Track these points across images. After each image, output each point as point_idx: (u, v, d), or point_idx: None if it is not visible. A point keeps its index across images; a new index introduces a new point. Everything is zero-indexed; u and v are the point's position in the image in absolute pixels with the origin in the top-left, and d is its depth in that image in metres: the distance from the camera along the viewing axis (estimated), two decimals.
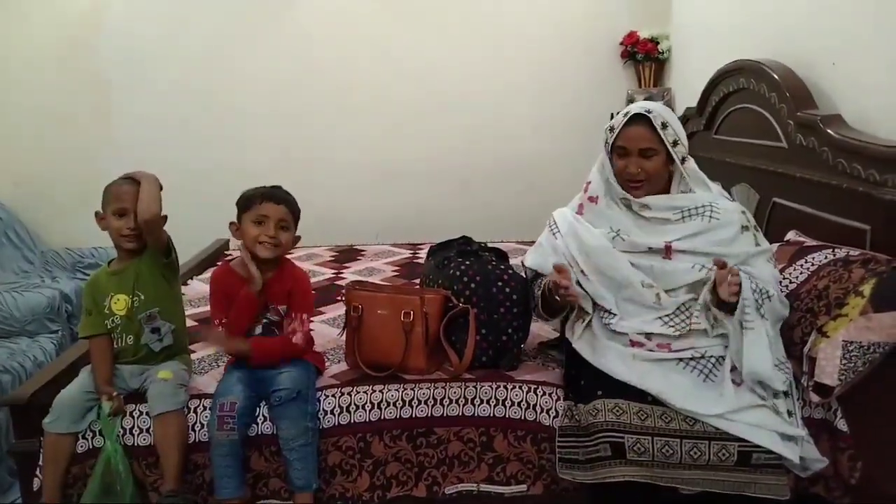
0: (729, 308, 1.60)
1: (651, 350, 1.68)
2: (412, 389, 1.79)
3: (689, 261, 1.71)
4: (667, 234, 1.74)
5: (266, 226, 1.74)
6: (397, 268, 3.00)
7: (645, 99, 3.34)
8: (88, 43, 3.69)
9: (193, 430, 1.71)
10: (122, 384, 1.76)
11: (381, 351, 1.84)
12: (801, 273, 1.83)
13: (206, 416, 1.70)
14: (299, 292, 1.81)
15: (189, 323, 2.07)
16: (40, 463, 1.68)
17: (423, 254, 3.08)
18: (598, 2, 3.81)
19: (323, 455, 1.73)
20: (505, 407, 1.78)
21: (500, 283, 1.90)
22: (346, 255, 3.29)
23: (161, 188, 1.74)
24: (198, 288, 2.72)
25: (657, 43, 3.70)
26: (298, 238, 1.84)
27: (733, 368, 1.63)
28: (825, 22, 2.24)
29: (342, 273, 2.96)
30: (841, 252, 1.80)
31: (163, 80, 3.75)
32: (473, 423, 1.78)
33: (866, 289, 1.60)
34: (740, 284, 1.57)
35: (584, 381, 1.68)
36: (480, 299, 1.88)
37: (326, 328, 2.23)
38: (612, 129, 1.77)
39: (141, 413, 1.72)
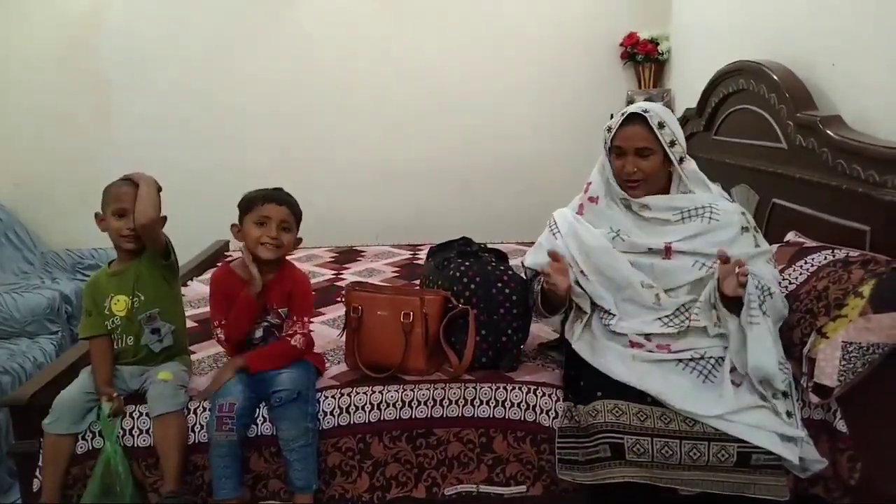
0: (734, 307, 1.61)
1: (650, 351, 1.68)
2: (412, 390, 1.79)
3: (690, 260, 1.71)
4: (666, 235, 1.74)
5: (268, 227, 1.74)
6: (397, 269, 3.00)
7: (645, 100, 3.34)
8: (88, 43, 3.69)
9: (193, 431, 1.71)
10: (122, 385, 1.76)
11: (380, 352, 1.84)
12: (800, 274, 1.83)
13: (206, 417, 1.70)
14: (299, 294, 1.81)
15: (189, 324, 2.07)
16: (40, 464, 1.68)
17: (422, 255, 3.09)
18: (598, 3, 3.81)
19: (323, 456, 1.73)
20: (504, 408, 1.78)
21: (499, 284, 1.90)
22: (346, 255, 3.30)
23: (160, 190, 1.74)
24: (198, 289, 2.72)
25: (657, 44, 3.70)
26: (300, 240, 1.84)
27: (733, 369, 1.64)
28: (825, 22, 2.24)
29: (342, 274, 2.96)
30: (840, 253, 1.80)
31: (163, 80, 3.75)
32: (473, 423, 1.78)
33: (866, 290, 1.60)
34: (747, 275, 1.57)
35: (584, 382, 1.68)
36: (480, 300, 1.88)
37: (326, 329, 2.23)
38: (609, 129, 1.78)
39: (141, 414, 1.72)
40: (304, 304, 1.81)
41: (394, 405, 1.77)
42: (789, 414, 1.59)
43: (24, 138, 3.76)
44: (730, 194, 1.92)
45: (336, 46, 3.78)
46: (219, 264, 2.51)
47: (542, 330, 2.09)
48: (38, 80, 3.71)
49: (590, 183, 1.87)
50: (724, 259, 1.58)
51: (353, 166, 3.88)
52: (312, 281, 2.26)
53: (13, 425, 1.76)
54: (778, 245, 2.03)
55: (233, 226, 1.80)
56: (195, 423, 1.71)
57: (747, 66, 2.54)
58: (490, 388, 1.79)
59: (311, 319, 1.86)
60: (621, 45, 3.78)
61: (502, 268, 1.97)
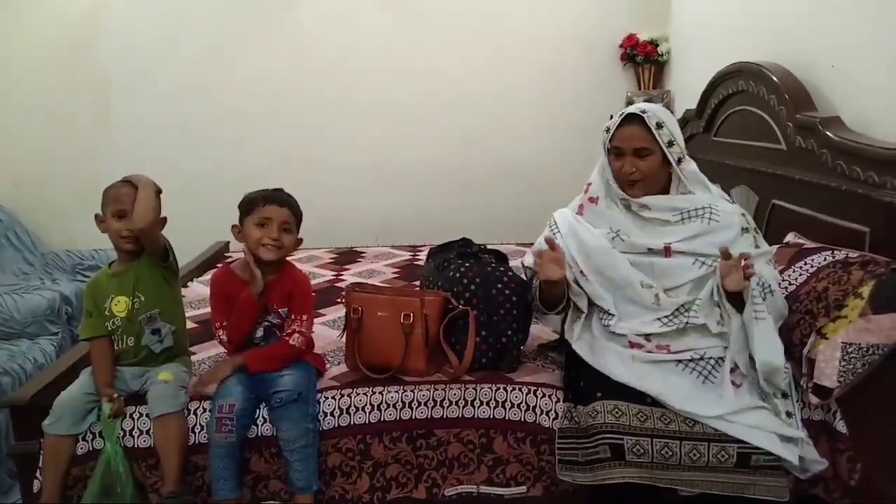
0: (735, 304, 1.61)
1: (650, 351, 1.69)
2: (412, 391, 1.79)
3: (690, 259, 1.71)
4: (666, 236, 1.74)
5: (269, 228, 1.74)
6: (397, 270, 3.00)
7: (644, 101, 3.33)
8: (88, 43, 3.69)
9: (193, 432, 1.71)
10: (122, 386, 1.76)
11: (380, 353, 1.84)
12: (800, 275, 1.83)
13: (206, 418, 1.70)
14: (299, 294, 1.81)
15: (189, 325, 2.07)
16: (40, 465, 1.68)
17: (422, 256, 3.08)
18: (598, 4, 3.81)
19: (323, 457, 1.74)
20: (505, 409, 1.78)
21: (499, 285, 1.90)
22: (346, 256, 3.30)
23: (159, 192, 1.74)
24: (198, 290, 2.72)
25: (656, 45, 3.70)
26: (301, 240, 1.84)
27: (733, 370, 1.64)
28: (824, 23, 2.25)
29: (342, 275, 2.96)
30: (840, 254, 1.80)
31: (163, 80, 3.74)
32: (473, 424, 1.78)
33: (865, 291, 1.60)
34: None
35: (584, 383, 1.68)
36: (480, 301, 1.88)
37: (326, 330, 2.23)
38: (608, 129, 1.78)
39: (141, 415, 1.72)
40: (303, 304, 1.81)
41: (394, 406, 1.77)
42: (789, 414, 1.60)
43: (24, 139, 3.76)
44: (729, 195, 1.92)
45: (336, 46, 3.78)
46: (219, 265, 2.52)
47: (541, 331, 2.09)
48: (38, 80, 3.71)
49: (590, 183, 1.87)
50: (726, 255, 1.58)
51: (353, 167, 3.89)
52: (312, 282, 2.26)
53: (13, 426, 1.76)
54: (778, 246, 2.03)
55: (233, 227, 1.80)
56: (195, 424, 1.71)
57: (747, 67, 2.55)
58: (490, 388, 1.80)
59: (312, 319, 1.87)
60: (621, 46, 3.79)
61: (502, 269, 1.97)
